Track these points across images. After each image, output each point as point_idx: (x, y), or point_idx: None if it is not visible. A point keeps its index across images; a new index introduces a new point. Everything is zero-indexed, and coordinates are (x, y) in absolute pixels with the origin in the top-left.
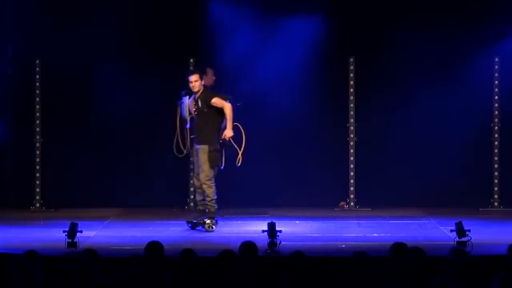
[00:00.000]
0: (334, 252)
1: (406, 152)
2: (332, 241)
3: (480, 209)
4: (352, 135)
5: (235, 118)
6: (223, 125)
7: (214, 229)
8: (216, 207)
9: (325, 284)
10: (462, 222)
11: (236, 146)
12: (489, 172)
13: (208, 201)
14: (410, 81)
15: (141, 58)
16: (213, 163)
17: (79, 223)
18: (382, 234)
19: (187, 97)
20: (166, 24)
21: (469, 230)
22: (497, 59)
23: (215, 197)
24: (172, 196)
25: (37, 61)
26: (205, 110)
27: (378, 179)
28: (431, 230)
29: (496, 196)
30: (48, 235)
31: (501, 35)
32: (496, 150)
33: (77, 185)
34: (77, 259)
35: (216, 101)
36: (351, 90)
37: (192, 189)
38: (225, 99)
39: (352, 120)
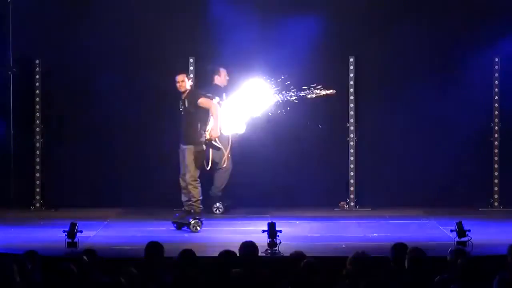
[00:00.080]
0: (334, 252)
1: (406, 152)
2: (332, 241)
3: (480, 209)
4: (352, 135)
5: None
6: (209, 126)
7: (199, 229)
8: (201, 208)
9: (325, 284)
10: (462, 222)
11: (222, 147)
12: (489, 172)
13: (194, 202)
14: (410, 81)
15: (141, 58)
16: (199, 163)
17: (79, 223)
18: (382, 234)
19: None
20: (166, 24)
21: (469, 230)
22: (497, 59)
23: (201, 197)
24: (172, 196)
25: (37, 61)
26: (192, 110)
27: (378, 179)
28: (431, 230)
29: (496, 196)
30: (48, 235)
31: (501, 35)
32: (496, 150)
33: (77, 185)
34: (77, 259)
35: (203, 101)
36: (351, 90)
37: None
38: (212, 99)
39: (352, 120)
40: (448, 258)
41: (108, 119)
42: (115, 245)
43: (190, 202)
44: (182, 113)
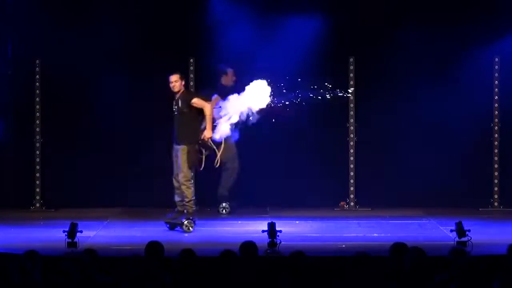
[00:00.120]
0: (334, 252)
1: (406, 152)
2: (332, 241)
3: (480, 209)
4: (352, 135)
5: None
6: (202, 126)
7: (192, 230)
8: (194, 208)
9: (325, 284)
10: (462, 222)
11: (215, 147)
12: (489, 172)
13: (187, 202)
14: (410, 81)
15: (141, 58)
16: (192, 164)
17: (79, 223)
18: (382, 234)
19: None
20: (166, 24)
21: (469, 230)
22: (497, 59)
23: (194, 197)
24: (172, 196)
25: (37, 61)
26: (185, 110)
27: (378, 179)
28: (431, 230)
29: (496, 196)
30: (48, 235)
31: (501, 35)
32: (496, 150)
33: (77, 185)
34: (77, 259)
35: (196, 101)
36: (351, 90)
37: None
38: (205, 100)
39: (352, 120)
40: (448, 258)
41: (108, 119)
42: (115, 245)
43: (183, 202)
44: (176, 113)
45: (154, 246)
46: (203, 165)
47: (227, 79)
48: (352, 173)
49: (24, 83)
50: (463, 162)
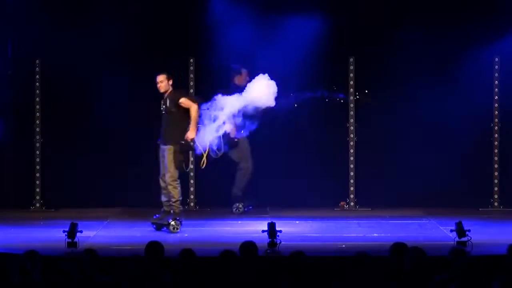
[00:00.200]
0: (334, 252)
1: (406, 152)
2: (332, 241)
3: (480, 209)
4: (352, 135)
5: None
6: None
7: (178, 230)
8: (181, 208)
9: (325, 284)
10: (462, 222)
11: (201, 147)
12: (489, 172)
13: (173, 202)
14: (410, 81)
15: (141, 58)
16: (179, 164)
17: (79, 223)
18: (382, 234)
19: None
20: (166, 24)
21: (469, 230)
22: (497, 59)
23: (180, 198)
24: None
25: (37, 61)
26: (173, 109)
27: (378, 179)
28: (431, 230)
29: (496, 196)
30: (48, 235)
31: (501, 35)
32: (496, 150)
33: (77, 185)
34: (77, 259)
35: (184, 101)
36: (351, 90)
37: (192, 189)
38: (193, 100)
39: (352, 120)
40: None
41: (108, 119)
42: (115, 245)
43: (170, 202)
44: (163, 112)
45: (154, 246)
46: (189, 166)
47: (241, 79)
48: (352, 173)
49: (24, 83)
50: (463, 162)
